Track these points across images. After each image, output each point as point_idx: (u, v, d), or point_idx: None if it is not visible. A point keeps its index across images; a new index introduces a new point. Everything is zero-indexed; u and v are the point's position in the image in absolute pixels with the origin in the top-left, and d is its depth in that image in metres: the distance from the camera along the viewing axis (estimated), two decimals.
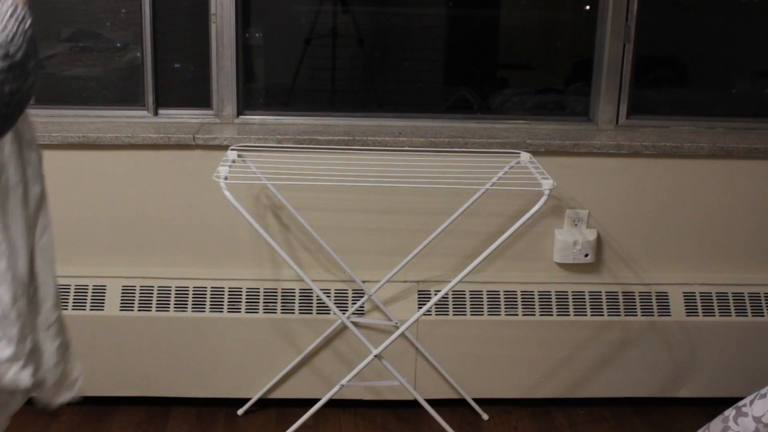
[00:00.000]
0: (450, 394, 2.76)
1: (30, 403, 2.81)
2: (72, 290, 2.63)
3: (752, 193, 2.73)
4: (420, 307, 2.62)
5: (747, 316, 2.75)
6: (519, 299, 2.72)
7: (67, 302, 2.62)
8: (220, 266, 2.68)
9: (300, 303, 2.68)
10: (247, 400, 2.73)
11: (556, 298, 2.72)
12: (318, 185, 2.50)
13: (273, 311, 2.67)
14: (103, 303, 2.63)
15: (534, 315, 2.71)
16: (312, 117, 2.79)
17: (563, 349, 2.74)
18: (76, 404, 2.73)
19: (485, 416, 2.74)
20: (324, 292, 2.30)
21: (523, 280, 2.73)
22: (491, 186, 2.49)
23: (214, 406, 2.76)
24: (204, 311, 2.65)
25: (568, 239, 2.69)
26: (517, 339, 2.72)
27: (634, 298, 2.74)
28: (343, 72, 3.18)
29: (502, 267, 2.74)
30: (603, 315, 2.72)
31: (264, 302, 2.67)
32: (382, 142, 2.57)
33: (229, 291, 2.67)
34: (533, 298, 2.72)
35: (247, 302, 2.66)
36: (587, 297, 2.73)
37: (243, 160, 2.46)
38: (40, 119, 2.69)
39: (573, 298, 2.73)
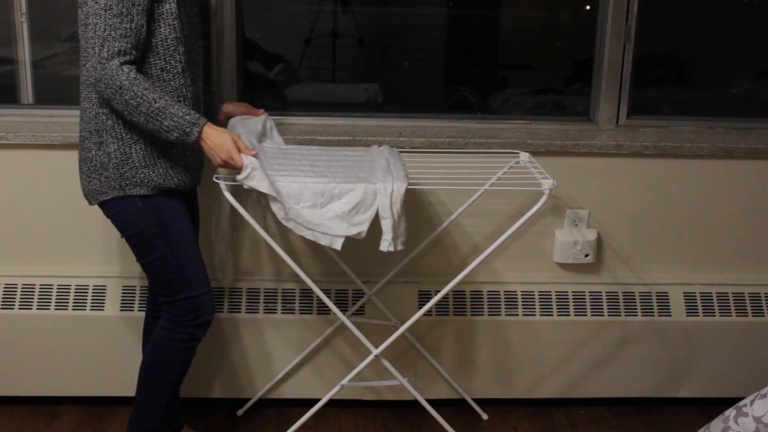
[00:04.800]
0: (450, 394, 2.76)
1: (30, 403, 2.82)
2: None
3: (752, 193, 2.73)
4: (420, 307, 2.62)
5: (747, 316, 2.75)
6: (519, 299, 2.72)
7: (68, 302, 2.62)
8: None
9: (300, 303, 2.68)
10: (247, 400, 2.73)
11: (556, 298, 2.72)
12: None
13: (273, 311, 2.67)
14: (103, 304, 2.63)
15: (534, 315, 2.71)
16: (312, 117, 2.79)
17: (563, 349, 2.74)
18: (76, 404, 2.75)
19: (485, 416, 2.75)
20: (324, 292, 2.30)
21: (523, 280, 2.73)
22: (491, 186, 2.49)
23: (214, 406, 2.76)
24: None
25: (569, 239, 2.69)
26: (517, 339, 2.72)
27: (634, 298, 2.74)
28: (343, 72, 3.18)
29: (502, 267, 2.74)
30: (603, 315, 2.72)
31: (264, 302, 2.67)
32: (382, 142, 2.57)
33: (229, 291, 2.67)
34: (533, 298, 2.72)
35: (246, 302, 2.66)
36: (587, 297, 2.73)
37: None
38: (41, 119, 2.69)
39: (573, 298, 2.73)
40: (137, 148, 2.12)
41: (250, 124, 2.39)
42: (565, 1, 3.23)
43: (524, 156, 2.49)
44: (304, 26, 3.07)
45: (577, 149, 2.64)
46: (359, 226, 2.14)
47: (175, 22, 2.09)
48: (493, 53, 3.26)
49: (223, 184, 2.11)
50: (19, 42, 2.75)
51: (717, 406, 2.43)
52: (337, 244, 2.13)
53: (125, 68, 1.99)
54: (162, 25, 2.08)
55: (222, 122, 2.44)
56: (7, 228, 2.63)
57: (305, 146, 2.51)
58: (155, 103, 2.01)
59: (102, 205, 2.18)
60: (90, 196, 2.18)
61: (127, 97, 1.98)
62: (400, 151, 2.46)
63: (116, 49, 1.98)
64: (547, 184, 2.19)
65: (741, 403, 1.89)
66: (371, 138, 2.59)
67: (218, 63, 2.67)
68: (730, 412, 1.90)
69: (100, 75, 1.98)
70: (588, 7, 2.93)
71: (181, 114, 2.04)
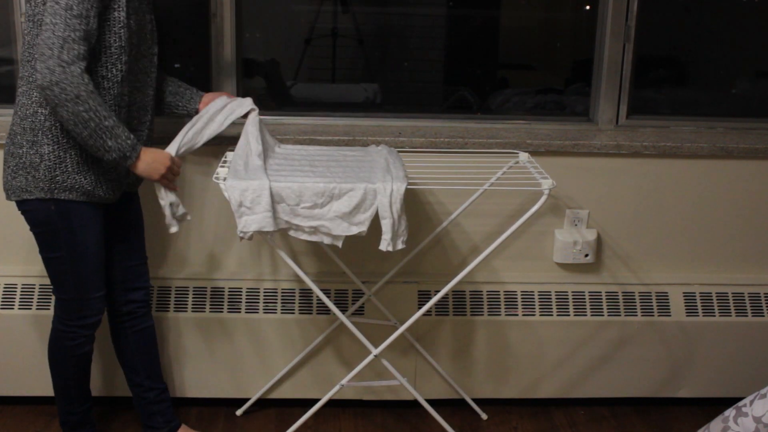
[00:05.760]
0: (450, 394, 2.76)
1: (30, 403, 2.82)
2: None
3: (752, 193, 2.73)
4: (420, 307, 2.62)
5: (747, 316, 2.75)
6: (519, 299, 2.72)
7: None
8: (218, 266, 2.68)
9: (300, 303, 2.68)
10: (247, 400, 2.73)
11: (556, 298, 2.72)
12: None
13: (273, 311, 2.67)
14: None
15: (534, 315, 2.71)
16: (312, 117, 2.79)
17: (563, 349, 2.74)
18: None
19: (485, 416, 2.75)
20: (324, 292, 2.30)
21: (523, 280, 2.73)
22: (490, 186, 2.49)
23: (214, 406, 2.76)
24: (204, 311, 2.65)
25: (568, 239, 2.69)
26: (516, 339, 2.72)
27: (634, 298, 2.74)
28: (343, 72, 3.18)
29: (502, 267, 2.74)
30: (603, 315, 2.73)
31: (264, 302, 2.67)
32: (382, 142, 2.57)
33: (229, 291, 2.67)
34: (533, 298, 2.72)
35: (247, 302, 2.66)
36: (587, 297, 2.73)
37: None
38: None
39: (573, 298, 2.73)
40: (72, 153, 2.10)
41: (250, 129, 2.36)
42: (565, 1, 3.23)
43: (524, 156, 2.49)
44: (304, 26, 3.07)
45: (576, 149, 2.64)
46: (360, 226, 2.14)
47: (122, 30, 2.06)
48: (493, 53, 3.26)
49: (223, 185, 2.11)
50: (19, 42, 2.75)
51: (717, 406, 2.43)
52: (339, 241, 2.16)
53: (86, 77, 1.95)
54: (107, 32, 2.04)
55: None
56: (7, 228, 2.63)
57: (304, 146, 2.51)
58: (105, 120, 1.99)
59: (20, 200, 2.16)
60: (11, 192, 2.15)
61: (81, 108, 1.95)
62: (400, 151, 2.47)
63: (76, 52, 1.93)
64: (546, 184, 2.19)
65: (741, 403, 1.89)
66: (371, 138, 2.59)
67: (217, 64, 2.67)
68: (730, 412, 1.90)
69: (58, 78, 1.92)
70: (588, 7, 2.93)
71: (124, 137, 2.04)
